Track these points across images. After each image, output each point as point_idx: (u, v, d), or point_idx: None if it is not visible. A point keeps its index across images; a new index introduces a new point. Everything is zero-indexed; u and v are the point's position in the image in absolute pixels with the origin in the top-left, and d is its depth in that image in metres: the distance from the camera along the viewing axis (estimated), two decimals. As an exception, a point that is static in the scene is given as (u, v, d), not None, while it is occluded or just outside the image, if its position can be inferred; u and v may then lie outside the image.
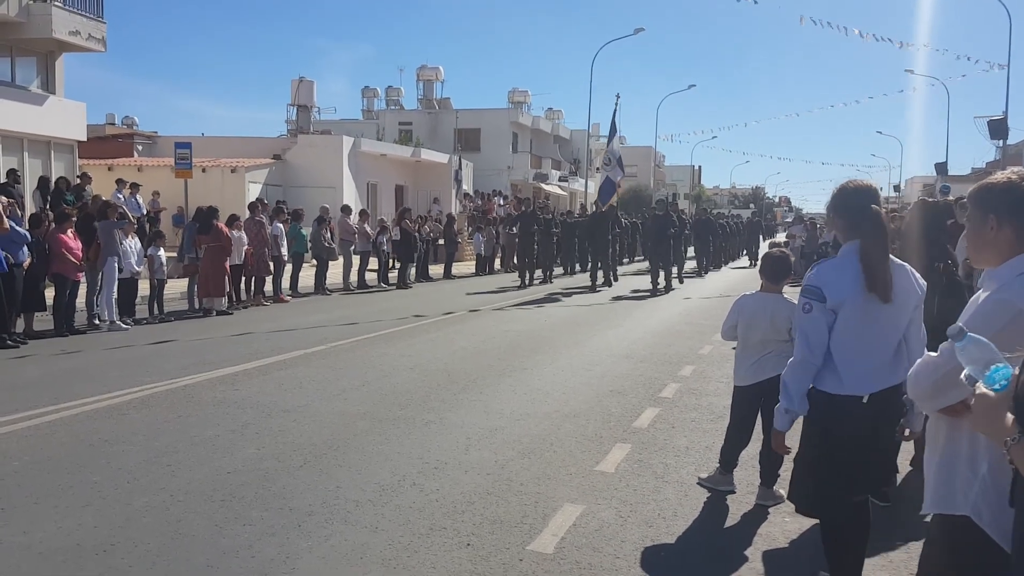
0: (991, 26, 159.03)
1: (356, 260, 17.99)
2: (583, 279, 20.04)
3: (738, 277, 23.49)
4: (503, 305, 14.95)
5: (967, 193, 2.40)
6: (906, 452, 5.36)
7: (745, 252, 33.08)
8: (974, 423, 1.90)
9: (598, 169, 57.84)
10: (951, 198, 13.90)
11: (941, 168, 40.99)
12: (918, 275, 3.26)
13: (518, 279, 19.06)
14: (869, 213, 3.13)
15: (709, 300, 16.47)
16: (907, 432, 3.22)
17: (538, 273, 20.30)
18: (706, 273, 24.11)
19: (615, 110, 22.40)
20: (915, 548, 3.92)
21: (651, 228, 19.34)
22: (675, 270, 19.58)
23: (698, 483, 4.97)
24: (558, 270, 22.90)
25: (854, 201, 3.20)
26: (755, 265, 25.06)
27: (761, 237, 32.24)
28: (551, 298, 16.72)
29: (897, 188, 66.75)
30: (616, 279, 19.99)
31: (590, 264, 19.89)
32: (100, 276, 11.10)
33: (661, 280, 18.28)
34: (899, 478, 5.17)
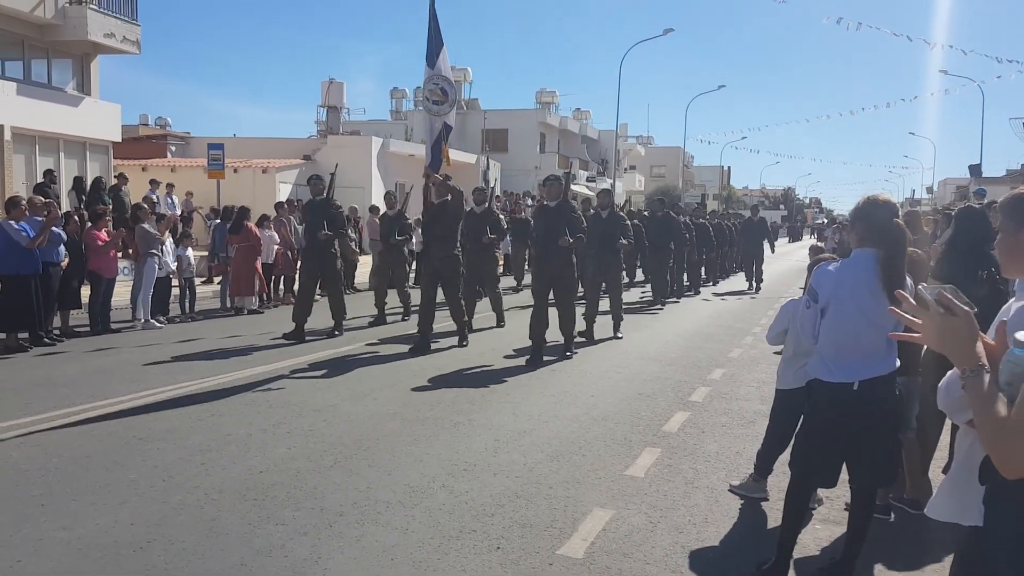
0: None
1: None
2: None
3: (710, 320, 13.04)
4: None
5: (999, 203, 2.37)
6: (939, 460, 5.30)
7: (743, 268, 20.92)
8: (940, 343, 1.85)
9: (627, 169, 57.74)
10: (985, 201, 13.68)
11: (975, 170, 40.39)
12: (908, 278, 3.58)
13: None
14: (892, 225, 3.48)
15: (740, 302, 16.35)
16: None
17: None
18: (662, 305, 14.77)
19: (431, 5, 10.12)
20: (949, 559, 3.88)
21: (537, 229, 10.06)
22: (608, 305, 11.08)
23: (729, 490, 4.95)
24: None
25: (879, 213, 3.52)
26: (757, 289, 18.58)
27: (767, 245, 20.35)
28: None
29: (930, 190, 65.89)
30: (502, 320, 11.75)
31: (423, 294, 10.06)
32: (142, 275, 11.27)
33: (585, 323, 10.55)
34: (934, 487, 5.12)
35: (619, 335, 10.89)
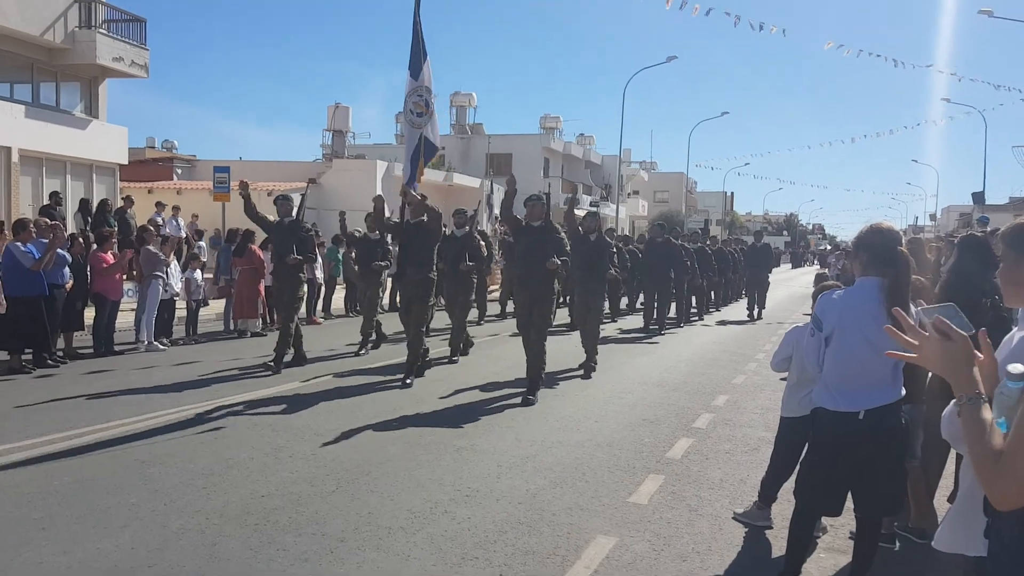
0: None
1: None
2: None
3: (714, 345, 12.58)
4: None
5: (1000, 232, 2.38)
6: (944, 489, 5.27)
7: (744, 295, 20.08)
8: (941, 366, 1.86)
9: (630, 195, 57.97)
10: (989, 229, 13.67)
11: (978, 197, 40.49)
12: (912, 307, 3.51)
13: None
14: (896, 253, 3.48)
15: (743, 328, 16.31)
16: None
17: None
18: (661, 330, 14.29)
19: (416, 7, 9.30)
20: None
21: (519, 249, 9.02)
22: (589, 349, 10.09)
23: (733, 518, 4.92)
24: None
25: (883, 241, 3.52)
26: (758, 316, 18.10)
27: (768, 273, 19.49)
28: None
29: (933, 217, 66.02)
30: (467, 347, 11.07)
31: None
32: (146, 297, 11.30)
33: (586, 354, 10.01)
34: (939, 516, 5.08)
35: (589, 374, 9.76)
